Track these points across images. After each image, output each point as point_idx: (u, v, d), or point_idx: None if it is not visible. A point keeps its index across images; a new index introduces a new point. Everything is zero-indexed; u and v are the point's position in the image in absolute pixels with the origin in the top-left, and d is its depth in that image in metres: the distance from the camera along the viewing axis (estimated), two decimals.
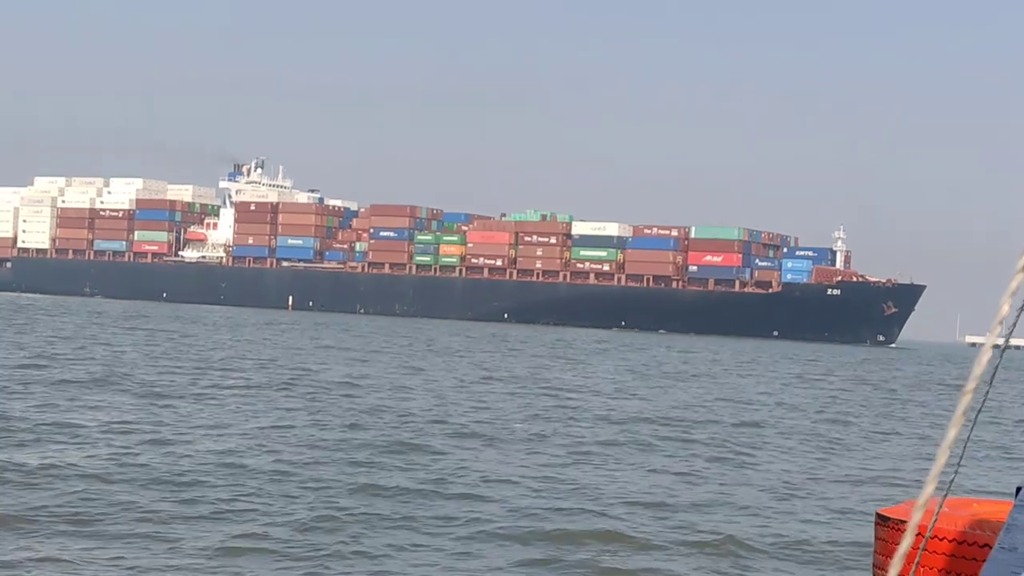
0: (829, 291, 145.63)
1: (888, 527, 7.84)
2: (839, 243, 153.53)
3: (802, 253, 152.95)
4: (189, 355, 53.24)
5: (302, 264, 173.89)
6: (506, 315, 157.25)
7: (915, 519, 3.45)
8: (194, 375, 41.80)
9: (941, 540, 7.16)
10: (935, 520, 6.47)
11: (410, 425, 29.87)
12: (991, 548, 5.85)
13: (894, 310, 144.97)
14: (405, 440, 26.56)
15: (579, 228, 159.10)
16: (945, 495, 5.86)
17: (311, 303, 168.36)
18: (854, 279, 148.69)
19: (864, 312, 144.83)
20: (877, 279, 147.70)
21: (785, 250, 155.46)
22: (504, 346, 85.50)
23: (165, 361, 48.28)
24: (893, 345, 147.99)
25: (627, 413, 36.71)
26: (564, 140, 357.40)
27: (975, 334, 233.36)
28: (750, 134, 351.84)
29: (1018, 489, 5.83)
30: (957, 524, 7.17)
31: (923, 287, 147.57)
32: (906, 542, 3.50)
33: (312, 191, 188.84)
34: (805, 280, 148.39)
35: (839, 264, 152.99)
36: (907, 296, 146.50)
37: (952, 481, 5.11)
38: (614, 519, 18.41)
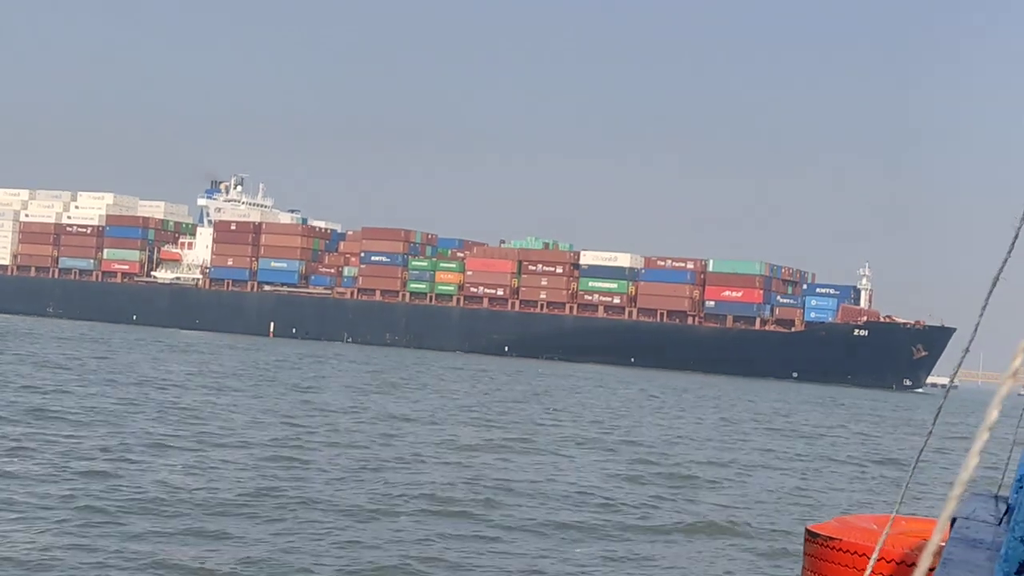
0: (856, 332, 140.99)
1: (817, 543, 8.32)
2: (864, 281, 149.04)
3: (824, 291, 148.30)
4: None
5: (285, 289, 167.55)
6: (507, 348, 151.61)
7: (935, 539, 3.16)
8: None
9: (889, 563, 7.34)
10: (882, 542, 6.75)
11: None
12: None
13: (924, 354, 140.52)
14: None
15: (587, 258, 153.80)
16: (893, 517, 6.39)
17: (294, 330, 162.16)
18: (880, 319, 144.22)
19: (891, 355, 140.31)
20: (905, 320, 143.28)
21: (805, 287, 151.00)
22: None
23: None
24: (920, 390, 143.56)
25: None
26: (563, 164, 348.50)
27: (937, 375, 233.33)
28: (763, 164, 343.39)
29: (953, 520, 5.86)
30: (903, 546, 7.29)
31: (953, 330, 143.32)
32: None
33: (293, 211, 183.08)
34: (830, 319, 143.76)
35: (863, 303, 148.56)
36: (936, 339, 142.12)
37: (900, 502, 5.53)
38: None
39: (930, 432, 5.33)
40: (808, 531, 8.80)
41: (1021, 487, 6.02)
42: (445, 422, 44.25)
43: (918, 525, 8.74)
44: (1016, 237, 4.46)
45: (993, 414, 3.08)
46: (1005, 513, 7.19)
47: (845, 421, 69.83)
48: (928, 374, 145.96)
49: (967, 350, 5.39)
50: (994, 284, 4.51)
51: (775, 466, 38.88)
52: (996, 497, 8.38)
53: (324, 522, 21.53)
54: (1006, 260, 4.48)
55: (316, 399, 51.02)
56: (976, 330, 5.42)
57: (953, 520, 6.02)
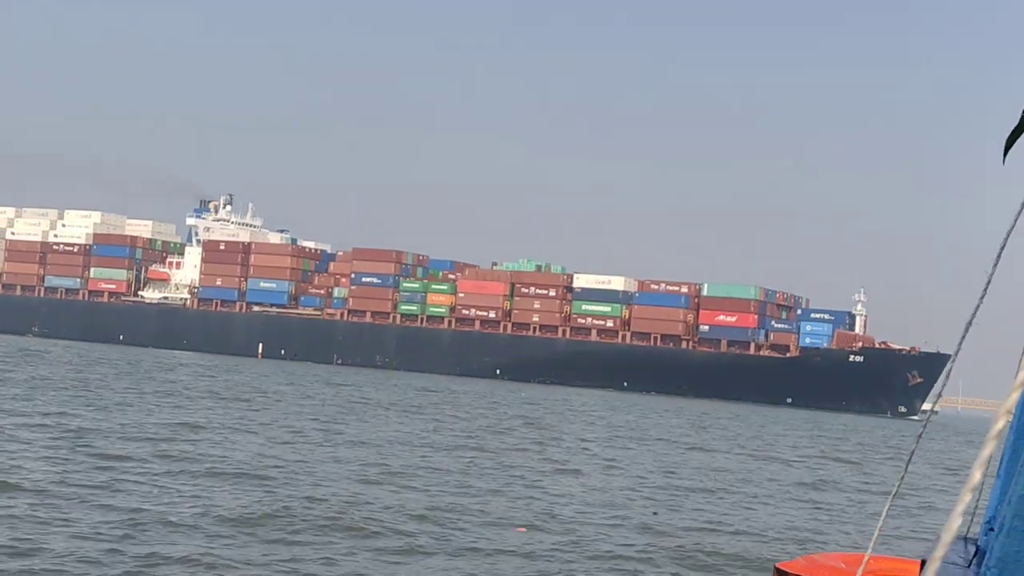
0: (851, 357, 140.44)
1: None
2: (859, 306, 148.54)
3: (818, 316, 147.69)
4: None
5: (275, 309, 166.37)
6: (498, 371, 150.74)
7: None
8: None
9: None
10: None
11: None
12: None
13: (919, 380, 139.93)
14: None
15: (581, 281, 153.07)
16: (869, 553, 6.27)
17: (283, 352, 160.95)
18: (876, 346, 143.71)
19: (887, 381, 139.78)
20: (901, 347, 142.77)
21: (799, 312, 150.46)
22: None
23: None
24: (915, 417, 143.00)
25: None
26: (555, 184, 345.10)
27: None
28: (760, 183, 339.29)
29: (923, 563, 5.56)
30: None
31: (949, 356, 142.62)
32: None
33: (282, 231, 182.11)
34: (825, 345, 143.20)
35: (858, 329, 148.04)
36: (932, 366, 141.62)
37: (874, 542, 5.53)
38: None
39: (902, 477, 5.27)
40: (777, 569, 8.67)
41: (991, 530, 5.78)
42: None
43: (887, 564, 8.70)
44: (988, 283, 4.56)
45: (976, 475, 3.03)
46: (975, 555, 7.05)
47: (833, 448, 69.15)
48: (923, 401, 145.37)
49: (939, 395, 5.74)
50: (967, 329, 4.59)
51: (746, 494, 38.24)
52: (966, 539, 8.13)
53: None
54: (978, 306, 4.53)
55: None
56: (948, 376, 5.93)
57: (923, 562, 5.78)
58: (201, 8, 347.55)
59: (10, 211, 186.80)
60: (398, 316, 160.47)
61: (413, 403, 75.09)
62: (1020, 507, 3.91)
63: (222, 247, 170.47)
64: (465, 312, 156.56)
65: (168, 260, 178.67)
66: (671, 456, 50.81)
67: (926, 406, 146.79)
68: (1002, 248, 4.40)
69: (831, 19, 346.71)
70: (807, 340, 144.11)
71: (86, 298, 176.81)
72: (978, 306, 4.61)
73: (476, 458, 40.49)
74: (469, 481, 33.70)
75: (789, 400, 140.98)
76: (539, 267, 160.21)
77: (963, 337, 4.77)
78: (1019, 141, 4.28)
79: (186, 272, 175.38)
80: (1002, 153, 4.27)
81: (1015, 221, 4.23)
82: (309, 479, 30.91)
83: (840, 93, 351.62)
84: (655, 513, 29.00)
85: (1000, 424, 3.03)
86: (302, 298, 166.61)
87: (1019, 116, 4.16)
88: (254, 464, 33.15)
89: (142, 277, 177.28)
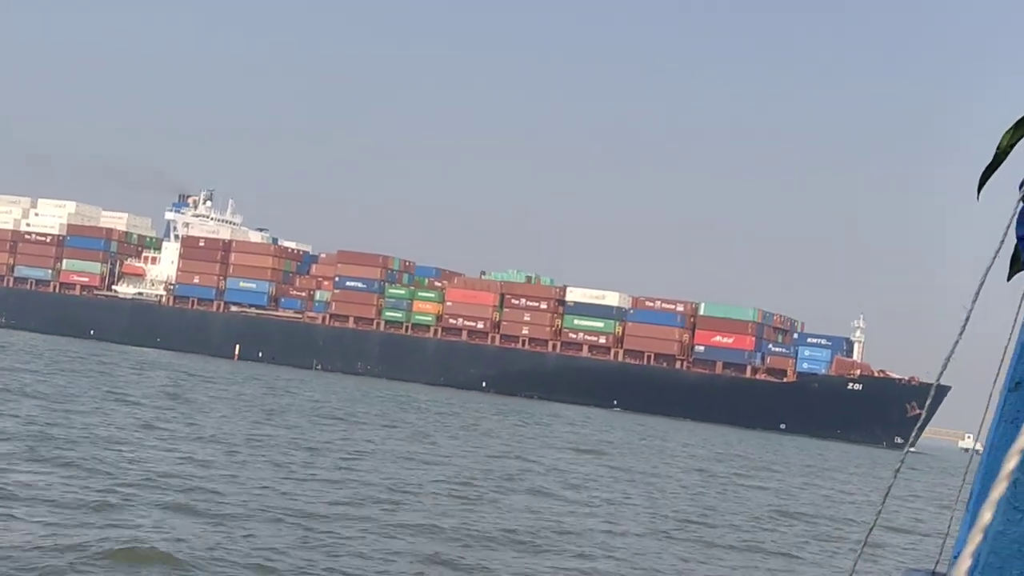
0: (850, 385, 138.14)
1: None
2: (858, 332, 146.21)
3: (815, 341, 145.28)
4: None
5: (254, 310, 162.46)
6: (484, 384, 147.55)
7: None
8: None
9: None
10: None
11: None
12: None
13: (918, 411, 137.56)
14: None
15: (574, 295, 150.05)
16: None
17: (260, 354, 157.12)
18: (874, 374, 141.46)
19: (884, 411, 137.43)
20: (900, 376, 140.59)
21: (795, 336, 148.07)
22: None
23: None
24: (913, 450, 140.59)
25: None
26: (547, 193, 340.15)
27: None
28: (759, 202, 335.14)
29: None
30: None
31: (948, 388, 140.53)
32: None
33: (262, 230, 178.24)
34: (824, 371, 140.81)
35: (856, 356, 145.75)
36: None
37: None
38: None
39: (879, 512, 5.22)
40: None
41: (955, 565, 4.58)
42: None
43: None
44: (967, 319, 4.66)
45: (987, 515, 2.93)
46: None
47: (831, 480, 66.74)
48: (920, 433, 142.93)
49: (910, 449, 5.82)
50: (944, 365, 4.68)
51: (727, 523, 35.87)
52: (933, 573, 6.85)
53: None
54: (957, 341, 4.61)
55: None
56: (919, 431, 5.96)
57: None
58: (195, 8, 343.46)
59: None
60: (382, 323, 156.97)
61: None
62: (996, 544, 3.91)
63: (201, 244, 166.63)
64: (452, 321, 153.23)
65: (144, 255, 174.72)
66: None
67: (900, 439, 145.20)
68: (980, 285, 4.45)
69: (832, 31, 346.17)
70: (805, 365, 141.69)
71: (57, 290, 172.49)
72: (956, 341, 4.63)
73: None
74: None
75: (783, 426, 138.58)
76: (529, 278, 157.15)
77: (940, 373, 4.78)
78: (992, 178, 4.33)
79: (162, 268, 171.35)
80: (976, 189, 4.31)
81: (993, 260, 4.28)
82: None
83: (845, 111, 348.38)
84: None
85: (1013, 462, 2.88)
86: (282, 300, 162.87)
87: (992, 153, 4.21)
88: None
89: (116, 271, 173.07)
